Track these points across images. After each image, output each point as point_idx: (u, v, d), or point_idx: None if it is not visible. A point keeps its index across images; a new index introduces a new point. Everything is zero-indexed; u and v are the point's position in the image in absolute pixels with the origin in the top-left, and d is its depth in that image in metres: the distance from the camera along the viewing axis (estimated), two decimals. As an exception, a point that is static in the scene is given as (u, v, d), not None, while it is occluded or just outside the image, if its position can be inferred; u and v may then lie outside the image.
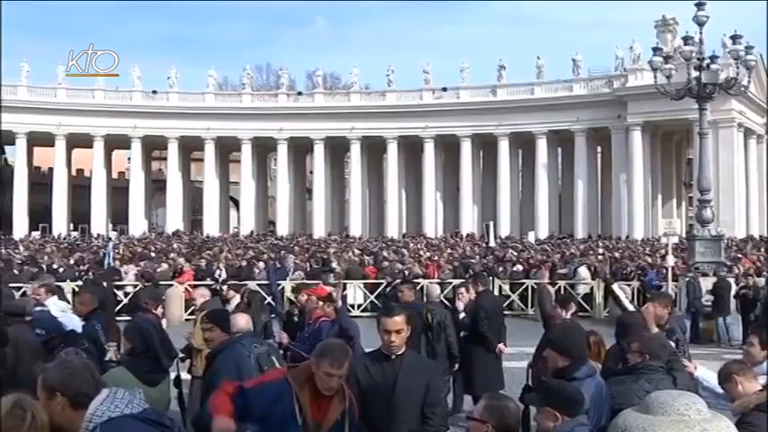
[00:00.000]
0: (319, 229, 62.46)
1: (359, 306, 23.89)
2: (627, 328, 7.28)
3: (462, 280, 23.95)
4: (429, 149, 62.61)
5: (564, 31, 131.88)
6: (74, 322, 8.95)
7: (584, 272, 26.93)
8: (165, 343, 6.81)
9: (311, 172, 68.62)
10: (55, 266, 27.96)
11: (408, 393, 5.65)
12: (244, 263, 28.43)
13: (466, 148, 61.62)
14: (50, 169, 66.15)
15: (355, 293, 24.53)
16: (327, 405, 5.21)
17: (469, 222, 60.68)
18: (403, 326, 5.80)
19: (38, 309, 9.50)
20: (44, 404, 3.89)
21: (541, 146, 59.35)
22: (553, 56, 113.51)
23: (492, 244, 40.36)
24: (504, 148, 60.55)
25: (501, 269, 28.37)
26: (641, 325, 7.45)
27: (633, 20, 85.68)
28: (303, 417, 5.11)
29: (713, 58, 24.07)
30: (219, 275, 24.39)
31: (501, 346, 11.87)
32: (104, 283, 16.83)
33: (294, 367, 5.72)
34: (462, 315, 12.18)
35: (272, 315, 15.84)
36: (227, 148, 67.96)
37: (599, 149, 62.36)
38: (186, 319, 21.99)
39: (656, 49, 25.54)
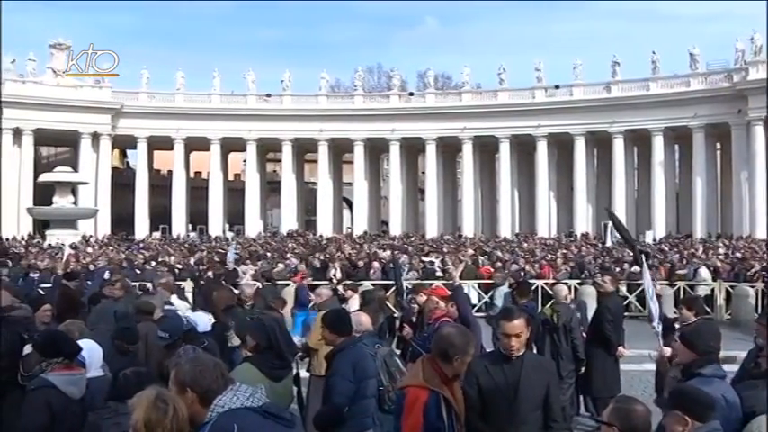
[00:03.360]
0: (432, 229, 62.52)
1: (473, 306, 23.78)
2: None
3: (578, 280, 23.74)
4: (542, 148, 61.85)
5: (680, 25, 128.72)
6: (199, 320, 9.22)
7: (704, 273, 26.17)
8: (287, 339, 6.94)
9: (423, 172, 68.72)
10: (172, 263, 28.78)
11: (530, 394, 5.64)
12: (361, 263, 28.64)
13: (579, 147, 60.67)
14: (170, 172, 68.15)
15: (469, 293, 24.43)
16: (457, 389, 5.32)
17: (583, 222, 59.70)
18: (523, 329, 5.78)
19: (167, 308, 9.83)
20: None
21: (658, 143, 57.92)
22: (669, 50, 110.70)
23: (608, 244, 39.66)
24: (618, 145, 59.38)
25: (618, 269, 27.83)
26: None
27: (753, 11, 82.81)
28: (455, 411, 5.21)
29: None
30: (335, 275, 24.62)
31: (621, 349, 11.65)
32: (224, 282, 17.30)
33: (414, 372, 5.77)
34: None
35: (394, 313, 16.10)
36: (340, 150, 68.69)
37: (718, 146, 60.40)
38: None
39: (779, 42, 24.50)
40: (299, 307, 18.22)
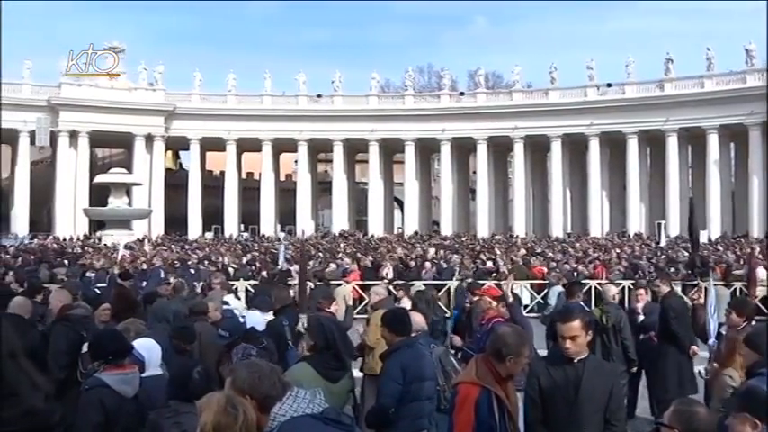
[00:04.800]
0: (483, 229, 62.24)
1: (525, 306, 23.61)
2: None
3: (632, 281, 23.43)
4: (594, 147, 61.26)
5: (735, 20, 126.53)
6: (254, 320, 9.27)
7: (762, 273, 25.67)
8: (345, 340, 6.96)
9: (474, 172, 68.51)
10: (227, 263, 29.00)
11: (591, 398, 5.57)
12: (412, 263, 28.62)
13: (632, 146, 59.93)
14: (222, 173, 68.70)
15: (521, 293, 24.25)
16: (510, 390, 5.29)
17: (636, 221, 59.04)
18: (578, 332, 5.69)
19: (225, 308, 9.92)
20: None
21: (713, 141, 56.89)
22: (724, 47, 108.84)
23: (662, 244, 39.19)
24: (672, 144, 58.49)
25: (672, 270, 27.43)
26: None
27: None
28: (507, 410, 5.19)
29: None
30: (386, 275, 24.61)
31: (694, 347, 11.47)
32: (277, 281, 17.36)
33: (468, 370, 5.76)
34: (641, 317, 11.82)
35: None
36: (391, 150, 68.69)
37: (774, 144, 59.30)
38: (354, 318, 22.39)
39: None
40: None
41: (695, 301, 11.21)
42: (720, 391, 6.75)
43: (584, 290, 23.76)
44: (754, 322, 8.61)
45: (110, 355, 5.77)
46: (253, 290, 20.24)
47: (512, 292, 11.40)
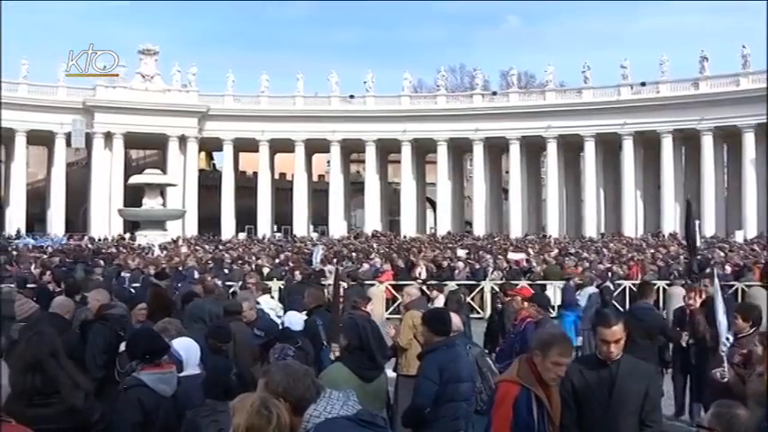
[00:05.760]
0: (516, 229, 61.99)
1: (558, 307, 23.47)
2: None
3: (667, 281, 23.25)
4: (628, 146, 60.76)
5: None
6: (291, 320, 9.31)
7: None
8: (379, 340, 6.96)
9: (507, 171, 68.24)
10: (261, 264, 29.10)
11: (626, 399, 5.54)
12: (445, 263, 28.57)
13: (667, 145, 59.37)
14: (255, 173, 69.01)
15: (555, 294, 24.12)
16: (554, 394, 5.27)
17: (671, 221, 58.39)
18: (621, 335, 5.72)
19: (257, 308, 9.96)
20: None
21: (749, 140, 56.20)
22: (760, 44, 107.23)
23: (698, 244, 38.77)
24: (707, 143, 57.87)
25: (708, 270, 27.12)
26: None
27: None
28: (547, 412, 5.17)
29: None
30: (420, 275, 24.61)
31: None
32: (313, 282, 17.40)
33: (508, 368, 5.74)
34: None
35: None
36: (424, 150, 68.58)
37: (813, 142, 58.46)
38: (387, 318, 22.44)
39: None
40: (566, 307, 17.46)
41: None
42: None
43: (620, 290, 23.86)
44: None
45: (146, 354, 5.81)
46: (285, 290, 20.30)
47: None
